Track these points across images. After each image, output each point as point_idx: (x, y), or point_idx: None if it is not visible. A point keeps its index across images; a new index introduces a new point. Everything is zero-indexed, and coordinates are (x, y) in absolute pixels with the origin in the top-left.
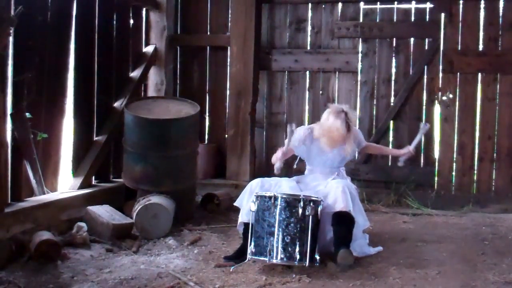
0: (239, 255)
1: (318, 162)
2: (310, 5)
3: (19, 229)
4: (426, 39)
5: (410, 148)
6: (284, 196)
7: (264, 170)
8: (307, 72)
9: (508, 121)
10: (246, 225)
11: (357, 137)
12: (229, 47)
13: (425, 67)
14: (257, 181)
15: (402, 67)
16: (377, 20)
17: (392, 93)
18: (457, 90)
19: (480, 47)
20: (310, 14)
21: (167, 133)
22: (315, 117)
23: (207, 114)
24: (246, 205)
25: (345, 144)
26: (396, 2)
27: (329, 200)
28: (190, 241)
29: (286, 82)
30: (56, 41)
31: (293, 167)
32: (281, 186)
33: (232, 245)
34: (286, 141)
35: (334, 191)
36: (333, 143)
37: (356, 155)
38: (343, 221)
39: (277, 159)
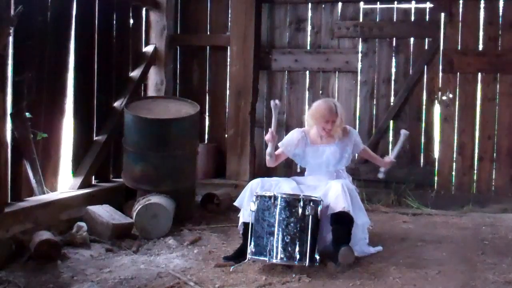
0: (239, 255)
1: (313, 166)
2: (310, 5)
3: (19, 229)
4: (426, 39)
5: (391, 158)
6: (284, 196)
7: (264, 170)
8: (307, 72)
9: (508, 121)
10: (246, 225)
11: (354, 136)
12: (229, 47)
13: (425, 67)
14: (257, 181)
15: (402, 67)
16: (377, 20)
17: (392, 93)
18: (457, 90)
19: (480, 47)
20: (310, 14)
21: (167, 133)
22: None
23: (207, 114)
24: (246, 205)
25: (338, 139)
26: (396, 2)
27: (329, 200)
28: (190, 241)
29: (286, 82)
30: (56, 41)
31: (292, 168)
32: (281, 187)
33: (232, 245)
34: (273, 120)
35: (334, 191)
36: (325, 124)
37: (356, 156)
38: (343, 221)
39: (267, 141)
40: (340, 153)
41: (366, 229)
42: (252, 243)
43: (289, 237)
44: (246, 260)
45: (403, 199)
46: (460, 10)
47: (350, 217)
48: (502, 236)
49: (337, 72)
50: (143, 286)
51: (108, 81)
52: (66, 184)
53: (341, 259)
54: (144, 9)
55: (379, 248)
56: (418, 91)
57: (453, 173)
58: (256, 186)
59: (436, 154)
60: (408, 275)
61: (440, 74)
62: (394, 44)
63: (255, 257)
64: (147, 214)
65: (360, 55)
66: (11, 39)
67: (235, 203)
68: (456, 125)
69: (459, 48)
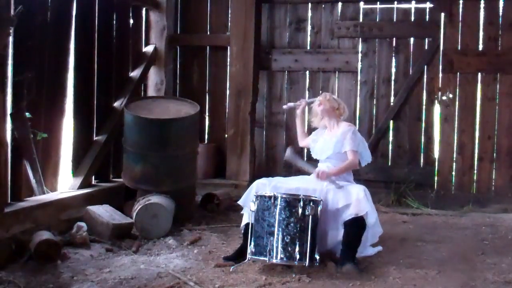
0: (238, 255)
1: (320, 151)
2: (310, 5)
3: (19, 229)
4: (426, 39)
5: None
6: (284, 196)
7: (264, 170)
8: (307, 72)
9: (508, 121)
10: (246, 225)
11: (348, 134)
12: (229, 47)
13: (425, 67)
14: (262, 182)
15: (402, 67)
16: (377, 20)
17: (392, 93)
18: (457, 90)
19: (480, 47)
20: (310, 14)
21: (167, 133)
22: None
23: (207, 114)
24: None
25: (341, 132)
26: (396, 2)
27: (346, 201)
28: (190, 241)
29: (286, 82)
30: (56, 41)
31: (292, 168)
32: (283, 185)
33: (232, 245)
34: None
35: (356, 195)
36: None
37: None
38: (356, 225)
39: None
40: (334, 143)
41: (378, 236)
42: (252, 243)
43: (289, 237)
44: (246, 260)
45: (403, 199)
46: (460, 10)
47: (365, 223)
48: (502, 236)
49: (337, 72)
50: (143, 286)
51: (108, 81)
52: (66, 184)
53: (344, 272)
54: (144, 9)
55: (379, 248)
56: (418, 91)
57: (453, 173)
58: (261, 187)
59: (436, 154)
60: (408, 275)
61: (440, 74)
62: (394, 44)
63: (255, 257)
64: (147, 214)
65: (360, 55)
66: (11, 39)
67: (239, 202)
68: (456, 125)
69: (459, 48)
